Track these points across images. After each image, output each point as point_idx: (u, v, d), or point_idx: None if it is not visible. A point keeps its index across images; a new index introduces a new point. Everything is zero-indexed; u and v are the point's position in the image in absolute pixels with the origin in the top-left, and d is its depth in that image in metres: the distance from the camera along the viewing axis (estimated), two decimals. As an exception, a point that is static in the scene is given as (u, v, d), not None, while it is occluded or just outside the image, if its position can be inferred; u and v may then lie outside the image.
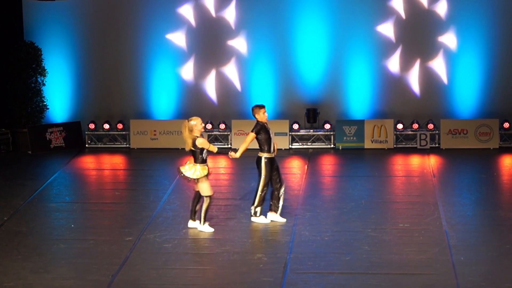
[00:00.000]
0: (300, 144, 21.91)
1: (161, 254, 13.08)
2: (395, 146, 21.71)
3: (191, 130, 13.95)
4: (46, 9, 22.15)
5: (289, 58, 22.07)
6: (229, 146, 21.76)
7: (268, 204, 14.70)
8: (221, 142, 21.83)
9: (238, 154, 14.32)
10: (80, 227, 14.84)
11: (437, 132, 21.69)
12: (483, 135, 21.46)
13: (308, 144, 21.98)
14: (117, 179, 19.27)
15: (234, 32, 22.09)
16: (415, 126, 21.71)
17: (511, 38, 21.66)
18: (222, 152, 14.03)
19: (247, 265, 12.59)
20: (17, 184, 17.94)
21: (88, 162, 20.87)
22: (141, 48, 22.25)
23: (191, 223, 14.30)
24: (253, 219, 14.64)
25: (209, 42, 22.18)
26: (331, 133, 21.88)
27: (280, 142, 21.58)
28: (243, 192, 16.82)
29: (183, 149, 21.50)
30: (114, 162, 20.83)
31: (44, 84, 22.12)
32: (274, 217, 14.67)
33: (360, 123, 21.73)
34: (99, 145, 22.27)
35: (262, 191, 14.49)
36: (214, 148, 14.05)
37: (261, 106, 14.58)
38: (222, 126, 21.98)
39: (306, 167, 19.54)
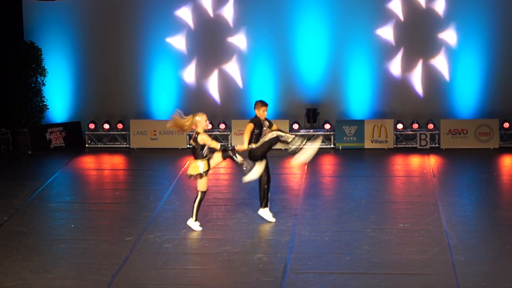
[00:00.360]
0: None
1: (161, 254, 13.08)
2: (395, 146, 21.70)
3: (195, 126, 13.97)
4: (46, 9, 22.14)
5: (289, 58, 22.06)
6: (229, 146, 21.73)
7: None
8: (221, 142, 21.82)
9: (245, 145, 14.34)
10: (80, 227, 14.84)
11: (437, 132, 21.69)
12: (483, 135, 21.46)
13: (308, 144, 21.92)
14: (117, 179, 19.27)
15: (234, 32, 22.08)
16: (415, 126, 21.71)
17: (511, 38, 21.66)
18: (228, 154, 13.99)
19: (247, 265, 12.60)
20: (17, 184, 17.94)
21: (88, 162, 20.87)
22: (141, 47, 22.24)
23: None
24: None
25: (209, 43, 22.16)
26: (331, 133, 21.88)
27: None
28: (243, 192, 16.81)
29: (183, 149, 21.78)
30: (114, 162, 20.83)
31: (44, 84, 22.12)
32: (263, 213, 14.70)
33: (360, 123, 21.73)
34: (99, 145, 22.26)
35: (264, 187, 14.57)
36: (216, 144, 14.02)
37: (263, 104, 14.65)
38: (222, 126, 21.98)
39: (306, 167, 19.53)
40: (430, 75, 21.94)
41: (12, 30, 22.17)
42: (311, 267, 12.43)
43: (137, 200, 16.55)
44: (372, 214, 15.27)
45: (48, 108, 22.28)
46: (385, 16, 21.79)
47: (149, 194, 16.91)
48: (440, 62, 21.85)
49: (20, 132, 21.79)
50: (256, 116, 14.65)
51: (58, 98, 22.51)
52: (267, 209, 14.67)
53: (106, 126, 22.13)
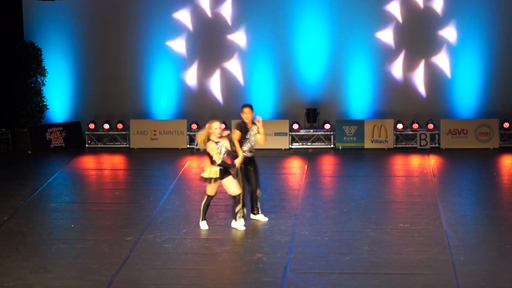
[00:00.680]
0: (300, 144, 21.91)
1: (161, 254, 13.08)
2: (395, 146, 21.71)
3: (210, 133, 13.96)
4: (46, 9, 22.15)
5: (289, 58, 22.07)
6: (229, 146, 21.74)
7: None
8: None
9: (240, 154, 14.32)
10: (80, 227, 14.84)
11: (437, 132, 21.69)
12: (483, 135, 21.46)
13: (308, 144, 21.98)
14: (117, 179, 19.27)
15: (235, 31, 22.08)
16: (415, 126, 21.71)
17: (511, 38, 21.66)
18: (227, 165, 13.97)
19: (247, 265, 12.60)
20: (17, 184, 17.94)
21: (88, 162, 20.87)
22: (141, 47, 22.24)
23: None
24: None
25: (209, 43, 22.17)
26: (331, 133, 21.88)
27: (280, 142, 21.63)
28: (243, 192, 16.79)
29: (183, 149, 21.78)
30: (114, 162, 20.83)
31: (44, 84, 22.13)
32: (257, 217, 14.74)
33: (360, 123, 21.73)
34: (99, 145, 22.27)
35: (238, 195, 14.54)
36: (218, 159, 13.93)
37: (246, 106, 14.55)
38: (222, 126, 21.92)
39: (306, 167, 19.54)
40: (430, 75, 21.94)
41: (12, 30, 22.17)
42: (311, 267, 12.43)
43: (137, 200, 16.55)
44: (372, 214, 15.27)
45: (48, 108, 22.29)
46: (385, 16, 21.79)
47: (149, 194, 16.92)
48: (441, 61, 21.86)
49: (20, 132, 21.79)
50: (242, 120, 14.55)
51: (58, 98, 22.51)
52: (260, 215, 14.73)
53: (106, 126, 22.13)
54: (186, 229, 14.34)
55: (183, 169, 19.26)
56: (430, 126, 21.67)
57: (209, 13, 22.08)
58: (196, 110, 22.19)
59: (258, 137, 14.45)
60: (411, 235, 13.92)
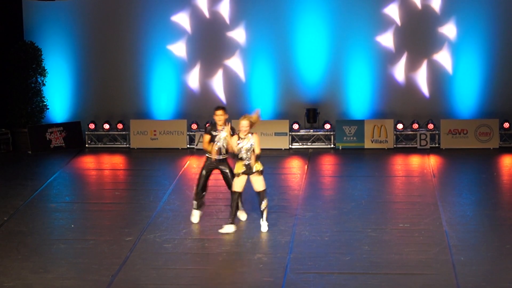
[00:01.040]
0: (300, 144, 21.90)
1: (161, 254, 13.08)
2: (395, 146, 21.70)
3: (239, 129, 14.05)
4: (46, 9, 22.14)
5: (289, 58, 22.06)
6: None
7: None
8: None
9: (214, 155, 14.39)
10: (80, 227, 14.84)
11: (437, 132, 21.69)
12: (483, 135, 21.46)
13: (308, 144, 21.98)
14: (117, 179, 19.27)
15: (234, 31, 22.08)
16: (415, 126, 21.71)
17: (511, 38, 21.66)
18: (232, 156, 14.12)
19: (247, 265, 12.60)
20: (17, 184, 17.94)
21: (88, 162, 20.87)
22: (141, 47, 22.23)
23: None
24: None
25: (209, 43, 22.17)
26: (331, 133, 21.88)
27: (280, 142, 21.63)
28: (242, 192, 16.78)
29: (183, 149, 21.78)
30: (114, 162, 20.83)
31: (44, 84, 22.12)
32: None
33: (360, 123, 21.73)
34: (99, 145, 22.26)
35: (196, 186, 14.64)
36: (233, 150, 14.00)
37: (218, 108, 14.52)
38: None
39: (306, 167, 19.54)
40: (431, 75, 21.93)
41: (12, 30, 22.17)
42: (311, 267, 12.43)
43: (137, 200, 16.55)
44: (372, 214, 15.28)
45: (48, 108, 22.29)
46: (385, 17, 21.79)
47: (149, 194, 16.92)
48: (442, 58, 21.82)
49: (20, 132, 21.79)
50: (213, 122, 14.63)
51: (58, 98, 22.51)
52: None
53: (106, 126, 22.13)
54: (186, 229, 14.35)
55: (183, 169, 19.26)
56: (430, 126, 21.67)
57: (207, 13, 22.05)
58: (196, 110, 22.17)
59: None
60: (411, 235, 13.92)
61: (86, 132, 22.22)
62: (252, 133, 14.01)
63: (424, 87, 22.00)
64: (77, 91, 22.54)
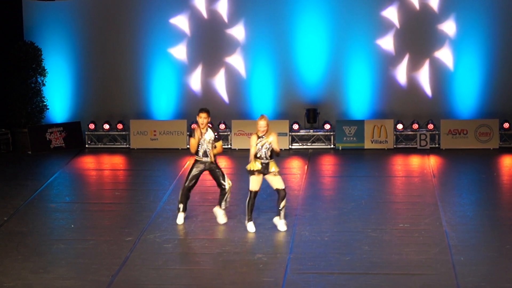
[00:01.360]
0: (300, 144, 21.91)
1: (161, 254, 13.08)
2: (395, 146, 21.70)
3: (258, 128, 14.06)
4: (46, 9, 22.14)
5: (289, 58, 22.07)
6: (229, 146, 21.76)
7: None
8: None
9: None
10: (80, 227, 14.84)
11: (437, 132, 21.69)
12: (483, 135, 21.46)
13: (308, 144, 21.98)
14: (117, 179, 19.27)
15: (234, 31, 22.09)
16: (415, 126, 21.71)
17: (511, 38, 21.66)
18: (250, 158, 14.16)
19: (247, 265, 12.60)
20: (17, 184, 17.94)
21: (88, 162, 20.87)
22: (141, 47, 22.24)
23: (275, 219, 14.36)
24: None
25: (209, 43, 22.19)
26: (331, 133, 21.88)
27: (280, 142, 21.56)
28: (243, 192, 16.81)
29: (183, 149, 21.78)
30: (114, 162, 20.83)
31: (44, 84, 22.13)
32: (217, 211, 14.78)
33: (360, 123, 21.73)
34: (99, 145, 22.27)
35: (182, 188, 14.62)
36: (252, 151, 14.04)
37: (201, 111, 14.52)
38: (222, 126, 21.98)
39: (306, 167, 19.54)
40: (432, 74, 21.92)
41: (12, 30, 22.17)
42: (311, 267, 12.43)
43: (137, 200, 16.56)
44: (372, 214, 15.28)
45: (48, 108, 22.29)
46: (385, 17, 21.79)
47: (149, 194, 16.92)
48: (443, 57, 21.82)
49: (20, 132, 21.80)
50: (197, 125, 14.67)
51: (58, 98, 22.51)
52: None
53: (106, 126, 22.14)
54: (186, 229, 14.35)
55: (183, 169, 19.25)
56: (430, 126, 21.67)
57: (205, 13, 22.05)
58: (197, 110, 22.09)
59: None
60: (411, 235, 13.93)
61: (86, 132, 22.23)
62: (270, 133, 14.04)
63: (426, 86, 21.98)
64: (77, 91, 22.55)
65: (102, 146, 22.28)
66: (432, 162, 19.98)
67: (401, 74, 22.00)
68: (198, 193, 16.20)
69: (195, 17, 22.04)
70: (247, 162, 14.18)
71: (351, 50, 21.93)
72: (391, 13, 21.75)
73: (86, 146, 22.20)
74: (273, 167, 14.10)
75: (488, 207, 15.69)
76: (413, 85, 22.01)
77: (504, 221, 14.80)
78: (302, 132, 21.95)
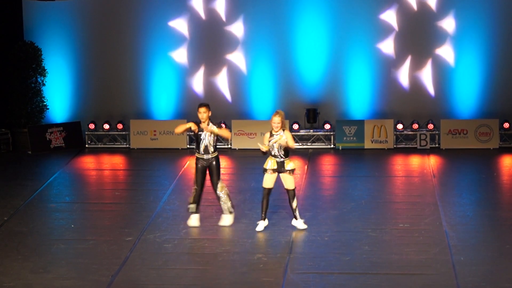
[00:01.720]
0: (300, 144, 21.90)
1: (161, 254, 13.08)
2: (395, 146, 21.70)
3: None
4: (46, 9, 22.14)
5: (289, 58, 22.06)
6: (229, 146, 21.75)
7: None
8: (220, 142, 21.79)
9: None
10: (80, 227, 14.84)
11: (437, 132, 21.69)
12: (483, 135, 21.46)
13: (308, 144, 21.98)
14: (117, 179, 19.27)
15: (234, 31, 22.10)
16: (415, 126, 21.71)
17: (511, 38, 21.65)
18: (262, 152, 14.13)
19: (247, 265, 12.60)
20: (17, 184, 17.94)
21: (88, 162, 20.87)
22: (141, 47, 22.23)
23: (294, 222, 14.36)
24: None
25: (209, 42, 22.20)
26: (331, 133, 21.88)
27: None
28: (242, 192, 16.81)
29: (183, 149, 21.79)
30: (114, 162, 20.83)
31: (44, 84, 22.12)
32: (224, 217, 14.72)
33: (360, 123, 21.73)
34: (99, 145, 22.26)
35: (194, 189, 14.60)
36: (262, 148, 13.98)
37: (201, 105, 14.56)
38: (222, 126, 21.91)
39: (306, 167, 19.54)
40: (434, 73, 21.91)
41: (12, 30, 22.17)
42: (311, 267, 12.43)
43: (137, 200, 16.56)
44: (372, 214, 15.28)
45: (48, 108, 22.29)
46: (385, 20, 21.80)
47: (149, 194, 16.92)
48: (444, 54, 21.81)
49: (20, 132, 21.79)
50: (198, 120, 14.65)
51: (58, 98, 22.51)
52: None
53: (106, 126, 22.13)
54: (186, 229, 14.35)
55: (183, 169, 19.26)
56: (430, 126, 21.67)
57: (203, 14, 22.04)
58: (197, 110, 22.10)
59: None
60: (411, 235, 13.93)
61: (86, 132, 22.22)
62: (284, 129, 14.00)
63: (429, 85, 21.93)
64: (77, 91, 22.55)
65: (102, 146, 22.27)
66: (432, 162, 19.98)
67: (403, 75, 21.97)
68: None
69: (193, 18, 22.02)
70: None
71: (351, 50, 21.92)
72: (390, 17, 21.72)
73: (86, 146, 22.19)
74: (288, 165, 14.09)
75: (488, 207, 15.69)
76: (414, 85, 21.99)
77: (504, 221, 14.80)
78: (302, 132, 21.95)
